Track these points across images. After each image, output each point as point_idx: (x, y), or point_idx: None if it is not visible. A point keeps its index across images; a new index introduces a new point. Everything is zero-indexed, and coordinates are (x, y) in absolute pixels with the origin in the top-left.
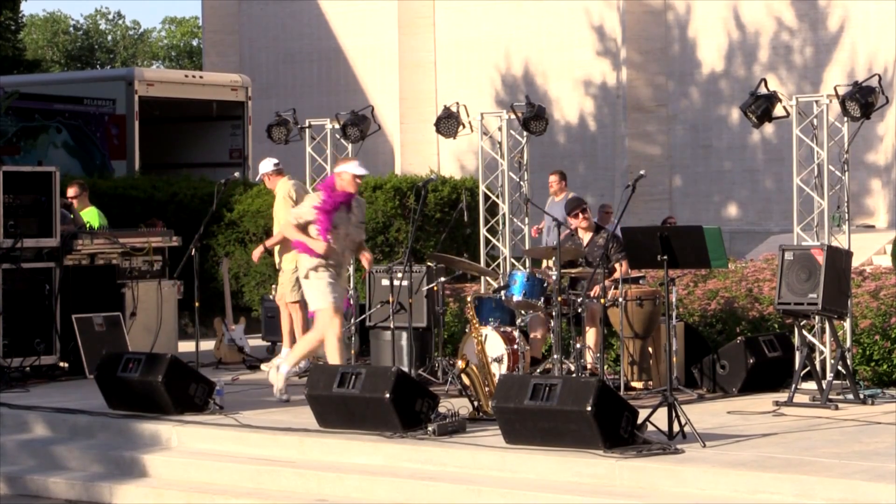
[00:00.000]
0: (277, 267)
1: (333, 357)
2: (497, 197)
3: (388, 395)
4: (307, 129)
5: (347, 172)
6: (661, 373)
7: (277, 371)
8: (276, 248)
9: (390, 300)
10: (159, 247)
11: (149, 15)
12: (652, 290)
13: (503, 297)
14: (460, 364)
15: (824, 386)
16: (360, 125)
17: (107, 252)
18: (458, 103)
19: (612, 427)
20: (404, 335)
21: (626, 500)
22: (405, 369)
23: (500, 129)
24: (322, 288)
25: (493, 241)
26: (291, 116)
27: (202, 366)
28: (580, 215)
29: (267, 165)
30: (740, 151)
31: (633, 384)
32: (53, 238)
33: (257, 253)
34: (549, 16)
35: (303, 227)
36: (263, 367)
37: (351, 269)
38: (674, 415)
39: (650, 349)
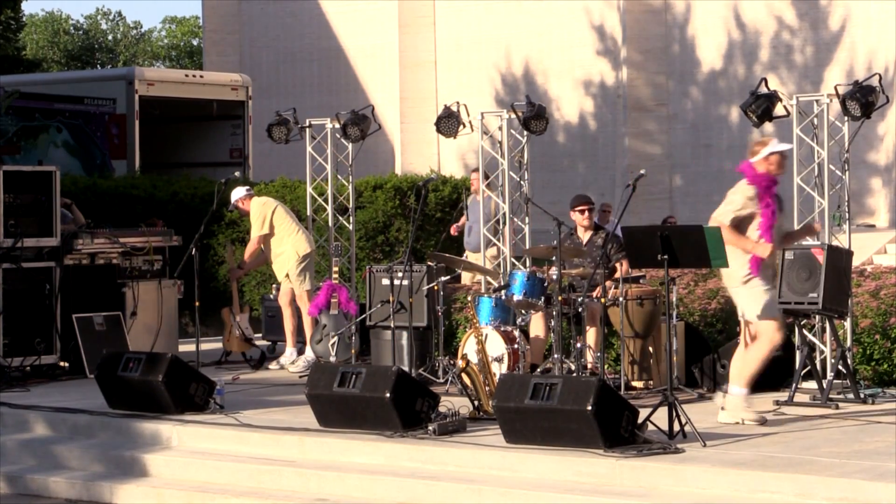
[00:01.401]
0: (279, 280)
1: (753, 368)
2: (497, 196)
3: (388, 395)
4: (307, 129)
5: (775, 153)
6: (661, 372)
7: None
8: (274, 261)
9: (391, 299)
10: (159, 246)
11: (149, 14)
12: (652, 290)
13: (503, 297)
14: (461, 363)
15: (825, 385)
16: (360, 124)
17: (107, 251)
18: (458, 103)
19: (613, 426)
20: (405, 335)
21: (627, 499)
22: (405, 369)
23: (500, 128)
24: (760, 296)
25: (493, 240)
26: (292, 116)
27: (203, 365)
28: (585, 212)
29: (240, 192)
30: (740, 151)
31: (634, 383)
32: (54, 237)
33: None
34: (549, 16)
35: (737, 224)
36: (272, 366)
37: (352, 267)
38: (674, 414)
39: (650, 348)
